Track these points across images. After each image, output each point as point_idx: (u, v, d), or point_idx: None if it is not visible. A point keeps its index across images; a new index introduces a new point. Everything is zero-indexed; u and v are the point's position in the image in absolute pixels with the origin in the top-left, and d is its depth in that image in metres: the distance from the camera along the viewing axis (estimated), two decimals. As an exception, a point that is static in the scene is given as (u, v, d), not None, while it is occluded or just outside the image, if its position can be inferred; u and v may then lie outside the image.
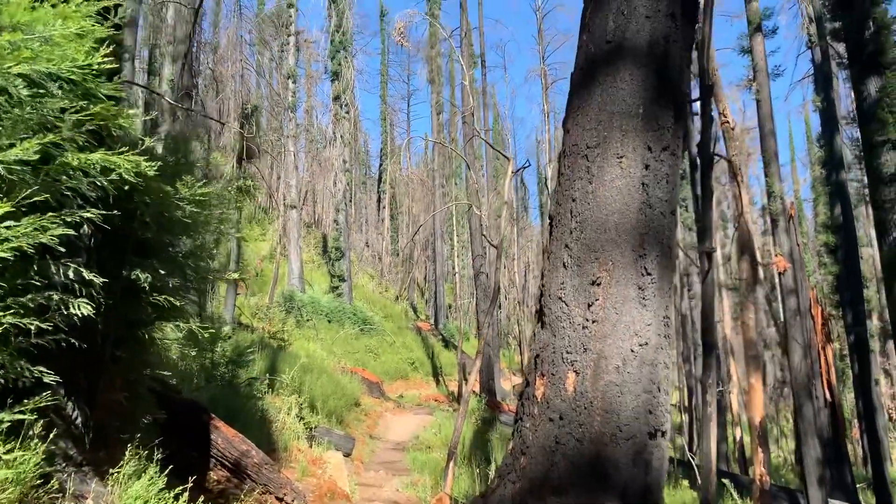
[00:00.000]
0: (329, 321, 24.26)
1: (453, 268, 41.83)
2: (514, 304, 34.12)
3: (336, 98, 28.54)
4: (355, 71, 32.73)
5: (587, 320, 3.11)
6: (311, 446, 6.94)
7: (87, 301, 1.99)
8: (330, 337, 22.02)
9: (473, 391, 21.48)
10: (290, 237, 26.44)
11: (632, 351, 3.07)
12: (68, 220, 1.92)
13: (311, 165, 43.61)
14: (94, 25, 1.94)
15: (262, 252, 30.24)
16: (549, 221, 3.49)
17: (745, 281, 7.80)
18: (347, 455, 8.54)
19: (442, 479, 7.37)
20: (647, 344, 3.08)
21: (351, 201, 42.13)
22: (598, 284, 3.12)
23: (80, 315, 1.97)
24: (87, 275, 2.00)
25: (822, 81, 17.24)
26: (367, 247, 43.28)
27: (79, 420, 2.17)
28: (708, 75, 3.80)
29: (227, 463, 3.92)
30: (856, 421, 25.09)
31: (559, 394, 3.11)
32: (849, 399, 25.80)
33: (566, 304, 3.17)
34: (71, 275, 1.97)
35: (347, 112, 28.98)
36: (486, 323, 7.42)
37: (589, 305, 3.12)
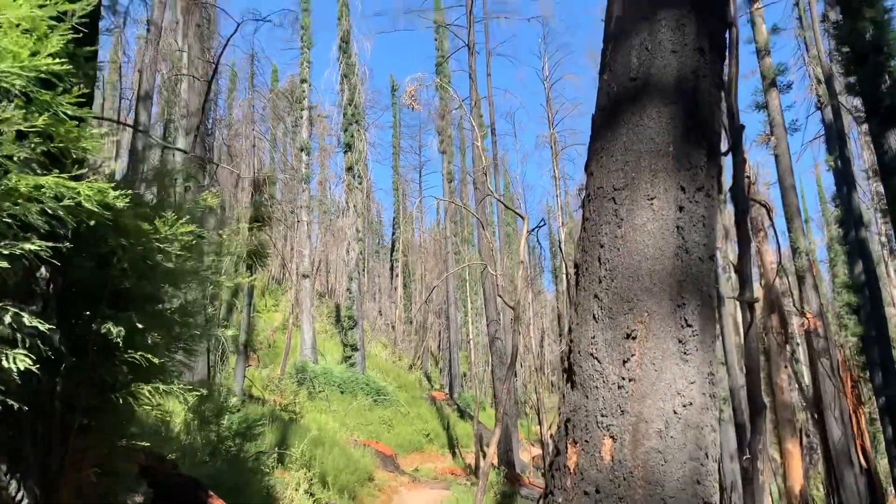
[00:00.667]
0: (342, 392, 23.76)
1: (467, 335, 41.34)
2: (530, 371, 33.40)
3: (349, 169, 28.78)
4: (367, 143, 33.23)
5: (623, 379, 2.79)
6: (320, 525, 6.49)
7: (25, 353, 1.68)
8: (343, 408, 21.51)
9: (492, 464, 20.74)
10: (302, 307, 26.23)
11: (674, 412, 2.74)
12: (5, 252, 1.64)
13: (324, 236, 43.82)
14: (46, 20, 1.69)
15: (274, 323, 29.97)
16: (574, 270, 3.22)
17: (777, 339, 7.42)
18: (360, 534, 8.04)
19: (461, 559, 6.86)
20: (691, 404, 2.76)
21: (364, 270, 42.10)
22: (634, 338, 2.81)
23: (16, 370, 1.66)
24: (29, 321, 1.69)
25: (837, 139, 17.12)
26: (380, 315, 42.96)
27: (25, 502, 1.85)
28: (737, 116, 3.59)
29: (226, 546, 3.56)
30: (891, 488, 24.00)
31: (594, 463, 2.77)
32: (882, 465, 24.74)
33: (598, 361, 2.86)
34: (8, 319, 1.67)
35: (360, 182, 29.20)
36: (504, 390, 7.05)
37: (624, 362, 2.81)
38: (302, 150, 29.23)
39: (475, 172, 16.26)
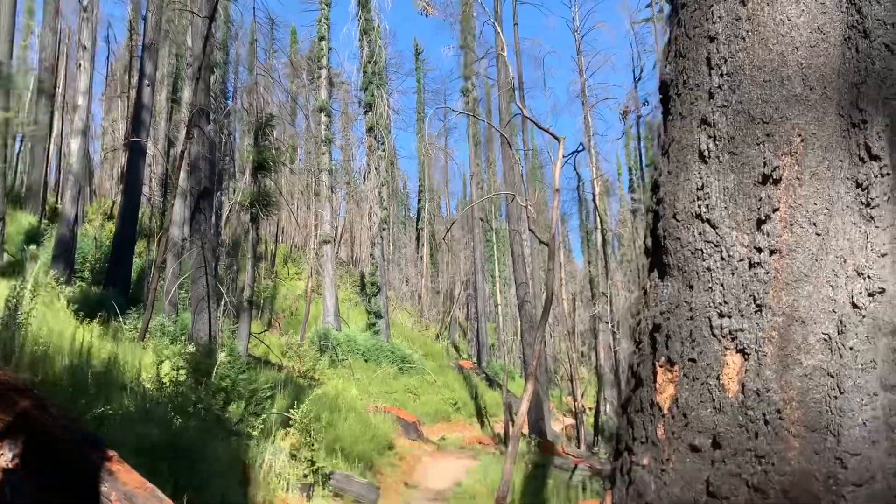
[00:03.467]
0: (366, 360, 22.84)
1: (495, 305, 40.19)
2: (560, 339, 32.21)
3: (370, 129, 27.61)
4: (390, 106, 31.96)
5: (758, 250, 1.61)
6: (309, 499, 5.42)
7: None
8: (366, 376, 20.56)
9: (522, 433, 19.68)
10: (324, 273, 25.31)
11: (854, 306, 1.55)
12: None
13: (348, 204, 42.90)
14: None
15: (297, 291, 29.11)
16: (660, 95, 2.02)
17: None
18: (372, 508, 7.01)
19: (488, 538, 5.79)
20: (881, 292, 1.57)
21: (389, 239, 41.10)
22: (776, 181, 1.62)
23: None
24: None
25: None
26: (405, 284, 42.04)
27: None
28: None
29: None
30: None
31: (709, 396, 1.60)
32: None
33: (713, 226, 1.68)
34: None
35: (382, 143, 28.02)
36: (539, 339, 5.91)
37: (760, 223, 1.62)
38: (321, 111, 28.07)
39: (499, 88, 14.85)
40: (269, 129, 10.90)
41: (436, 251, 47.37)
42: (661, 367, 1.70)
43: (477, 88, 37.09)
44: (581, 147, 6.71)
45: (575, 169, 12.87)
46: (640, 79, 24.68)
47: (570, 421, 24.56)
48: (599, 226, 16.36)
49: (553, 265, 5.99)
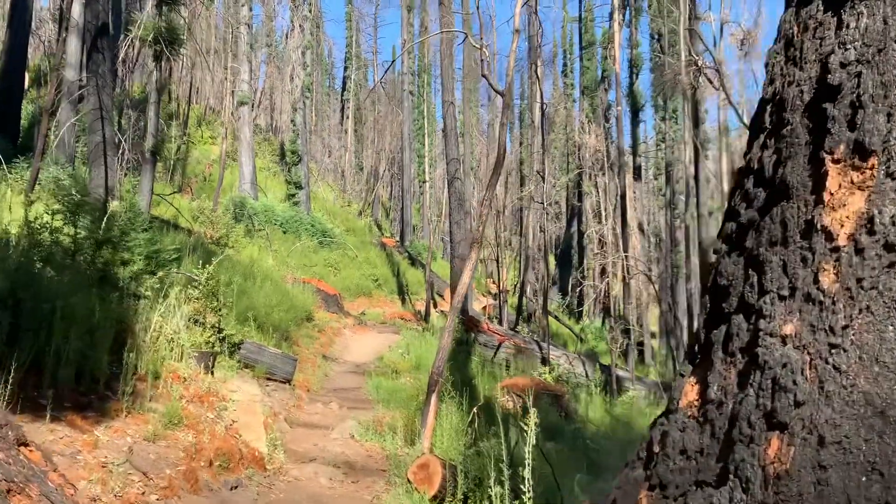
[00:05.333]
0: (284, 232, 21.85)
1: (421, 184, 39.37)
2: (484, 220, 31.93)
3: (295, -18, 25.25)
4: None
5: None
6: (210, 372, 4.65)
7: None
8: (285, 248, 19.69)
9: (441, 310, 19.49)
10: (240, 137, 23.66)
11: None
12: None
13: (268, 67, 40.30)
14: None
15: (211, 156, 27.32)
16: None
17: None
18: (287, 381, 6.35)
19: (419, 416, 5.24)
20: None
21: (312, 110, 39.03)
22: None
23: None
24: None
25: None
26: (328, 156, 40.45)
27: None
28: None
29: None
30: None
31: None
32: None
33: None
34: None
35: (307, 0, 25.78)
36: (486, 200, 5.16)
37: None
38: (241, -43, 25.33)
39: None
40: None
41: (361, 125, 45.50)
42: (834, 162, 0.94)
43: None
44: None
45: (535, 12, 11.67)
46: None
47: (490, 302, 24.59)
48: (540, 99, 15.47)
49: (506, 119, 5.19)
